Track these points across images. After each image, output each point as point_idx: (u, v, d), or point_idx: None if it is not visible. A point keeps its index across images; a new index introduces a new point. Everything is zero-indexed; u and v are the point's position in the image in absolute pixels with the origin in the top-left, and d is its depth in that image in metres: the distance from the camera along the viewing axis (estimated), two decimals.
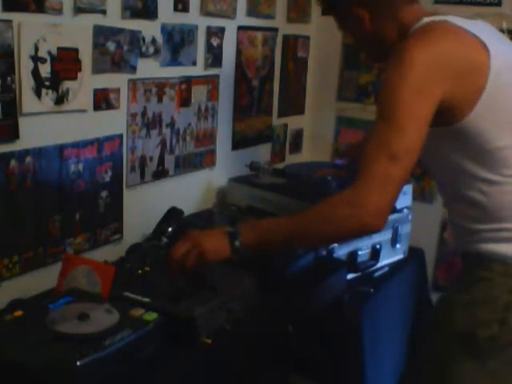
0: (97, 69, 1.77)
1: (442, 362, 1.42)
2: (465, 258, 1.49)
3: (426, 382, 1.49)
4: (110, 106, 1.86)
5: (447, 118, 1.32)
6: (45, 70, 1.61)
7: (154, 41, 1.96)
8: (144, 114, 2.00)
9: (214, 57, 2.27)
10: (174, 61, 2.08)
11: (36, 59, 1.58)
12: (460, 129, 1.32)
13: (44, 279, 1.69)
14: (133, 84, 1.93)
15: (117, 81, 1.87)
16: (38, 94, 1.61)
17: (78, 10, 1.66)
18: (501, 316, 1.35)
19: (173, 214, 2.02)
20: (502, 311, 1.36)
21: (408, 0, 1.44)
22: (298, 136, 2.97)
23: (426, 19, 1.36)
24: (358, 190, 1.29)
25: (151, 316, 1.38)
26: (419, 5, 1.47)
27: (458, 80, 1.29)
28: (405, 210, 2.26)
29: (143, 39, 1.92)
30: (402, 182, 1.31)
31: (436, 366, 1.44)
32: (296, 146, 2.97)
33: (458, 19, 1.36)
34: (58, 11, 1.61)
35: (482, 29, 1.37)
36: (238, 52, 2.42)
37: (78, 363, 1.18)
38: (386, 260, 2.22)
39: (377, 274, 2.16)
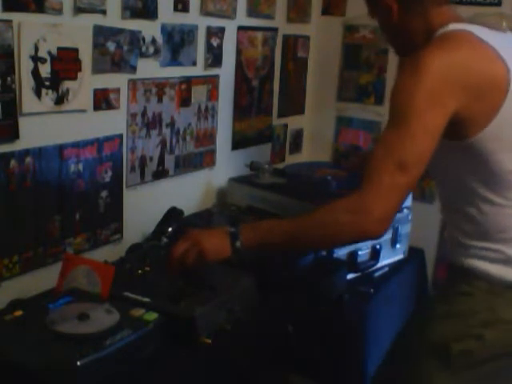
0: (97, 69, 1.77)
1: (418, 369, 1.44)
2: (451, 268, 1.49)
3: None
4: (109, 106, 1.86)
5: (459, 132, 1.29)
6: (45, 70, 1.61)
7: (153, 41, 1.96)
8: (144, 114, 2.00)
9: (214, 57, 2.27)
10: (174, 61, 2.08)
11: (36, 59, 1.58)
12: (470, 145, 1.30)
13: (44, 279, 1.69)
14: (133, 84, 1.93)
15: (117, 81, 1.87)
16: (38, 94, 1.61)
17: (78, 9, 1.66)
18: (478, 332, 1.36)
19: (173, 214, 2.02)
20: (479, 327, 1.36)
21: (438, 0, 1.40)
22: (298, 136, 2.97)
23: (451, 26, 1.33)
24: (363, 197, 1.27)
25: (151, 316, 1.38)
26: (449, 6, 1.42)
27: (472, 91, 1.25)
28: (405, 210, 2.26)
29: (143, 39, 1.92)
30: (408, 191, 1.30)
31: (412, 372, 1.46)
32: (296, 145, 2.98)
33: (481, 29, 1.32)
34: (58, 11, 1.61)
35: (507, 42, 1.33)
36: (238, 52, 2.42)
37: (78, 363, 1.18)
38: (385, 260, 2.22)
39: (377, 274, 2.16)
